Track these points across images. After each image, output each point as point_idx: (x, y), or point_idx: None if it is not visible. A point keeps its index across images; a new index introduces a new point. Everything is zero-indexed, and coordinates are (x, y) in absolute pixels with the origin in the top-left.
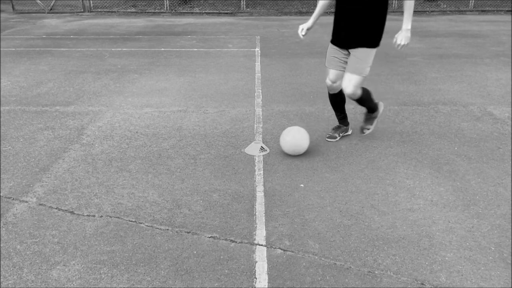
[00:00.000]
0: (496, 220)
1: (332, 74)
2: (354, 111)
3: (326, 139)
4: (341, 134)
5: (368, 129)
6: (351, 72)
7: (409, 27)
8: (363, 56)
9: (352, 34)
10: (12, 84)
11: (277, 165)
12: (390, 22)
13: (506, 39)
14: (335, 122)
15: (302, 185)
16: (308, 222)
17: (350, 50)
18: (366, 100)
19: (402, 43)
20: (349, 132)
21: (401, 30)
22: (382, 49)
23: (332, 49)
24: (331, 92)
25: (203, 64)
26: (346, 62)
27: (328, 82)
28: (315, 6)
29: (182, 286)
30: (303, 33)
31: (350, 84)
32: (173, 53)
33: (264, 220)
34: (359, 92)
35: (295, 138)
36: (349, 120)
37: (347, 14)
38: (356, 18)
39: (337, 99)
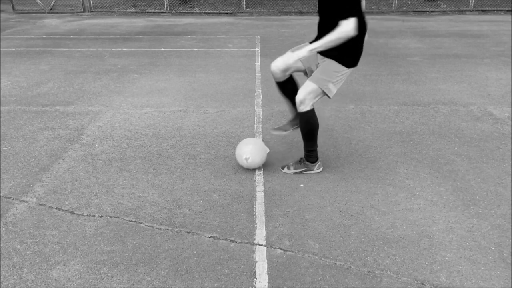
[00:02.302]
0: (496, 220)
1: (285, 59)
2: (345, 109)
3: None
4: (292, 128)
5: (289, 169)
6: (310, 80)
7: (311, 48)
8: (330, 68)
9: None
10: (12, 84)
11: (277, 165)
12: (389, 22)
13: (506, 39)
14: (336, 120)
15: (302, 185)
16: (308, 222)
17: (321, 59)
18: (309, 127)
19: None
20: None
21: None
22: (382, 49)
23: None
24: (276, 79)
25: (203, 64)
26: (310, 67)
27: (273, 66)
28: (315, 6)
29: (182, 286)
30: None
31: (303, 90)
32: (173, 53)
33: (264, 220)
34: (307, 106)
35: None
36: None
37: (322, 25)
38: (325, 31)
39: (286, 86)
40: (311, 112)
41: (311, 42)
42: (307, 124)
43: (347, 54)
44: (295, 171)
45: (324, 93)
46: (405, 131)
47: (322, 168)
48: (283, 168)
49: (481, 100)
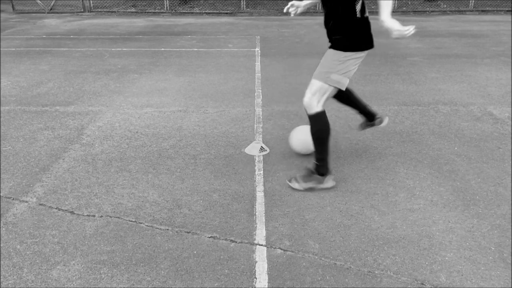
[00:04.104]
0: (496, 220)
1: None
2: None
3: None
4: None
5: (298, 183)
6: (313, 77)
7: (382, 18)
8: (328, 58)
9: (328, 33)
10: (12, 84)
11: (277, 165)
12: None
13: (506, 39)
14: (336, 120)
15: None
16: (308, 222)
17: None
18: (318, 131)
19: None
20: (383, 123)
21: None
22: (381, 49)
23: None
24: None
25: (203, 64)
26: None
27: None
28: (315, 6)
29: (182, 286)
30: (291, 9)
31: (308, 91)
32: (173, 53)
33: (264, 220)
34: (315, 107)
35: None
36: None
37: (324, 12)
38: (327, 19)
39: (339, 99)
40: (321, 114)
41: (328, 36)
42: (317, 127)
43: (344, 38)
44: (306, 186)
45: (333, 87)
46: (405, 131)
47: (335, 182)
48: (290, 181)
49: (481, 100)
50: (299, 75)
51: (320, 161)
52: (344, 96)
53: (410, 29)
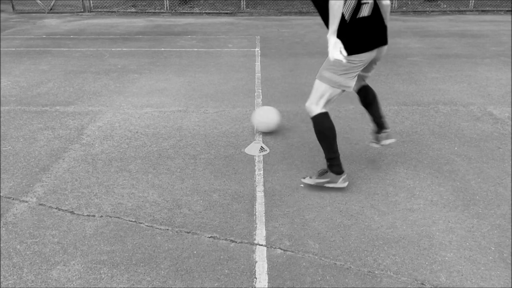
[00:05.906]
0: (496, 220)
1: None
2: (354, 110)
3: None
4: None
5: (311, 178)
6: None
7: (329, 34)
8: (326, 60)
9: None
10: (12, 84)
11: (277, 165)
12: (389, 22)
13: (506, 39)
14: (336, 120)
15: (302, 185)
16: (308, 222)
17: None
18: (319, 132)
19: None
20: (380, 143)
21: None
22: None
23: None
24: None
25: (203, 64)
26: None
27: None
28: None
29: (182, 286)
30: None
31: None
32: (173, 53)
33: (264, 220)
34: (313, 109)
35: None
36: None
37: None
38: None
39: (360, 95)
40: (320, 116)
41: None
42: (317, 129)
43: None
44: (317, 181)
45: (334, 88)
46: (405, 131)
47: (347, 183)
48: (304, 178)
49: (481, 100)
50: (299, 75)
51: (330, 160)
52: (362, 98)
53: (336, 55)
